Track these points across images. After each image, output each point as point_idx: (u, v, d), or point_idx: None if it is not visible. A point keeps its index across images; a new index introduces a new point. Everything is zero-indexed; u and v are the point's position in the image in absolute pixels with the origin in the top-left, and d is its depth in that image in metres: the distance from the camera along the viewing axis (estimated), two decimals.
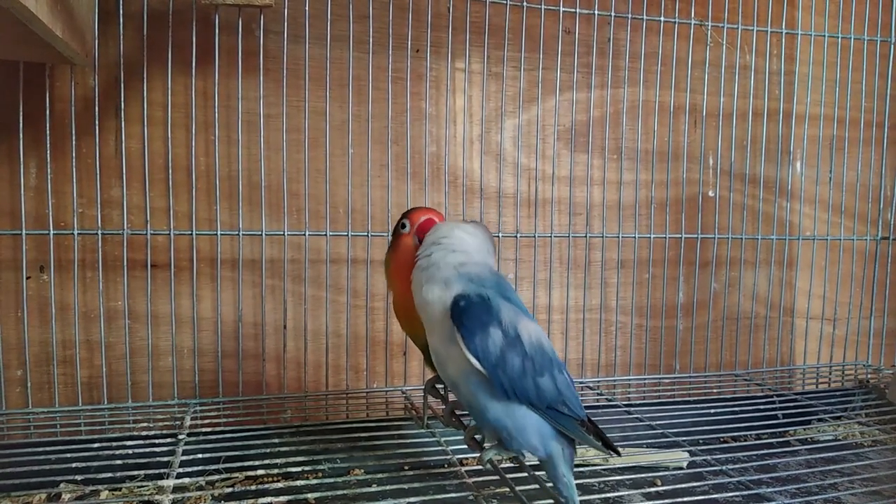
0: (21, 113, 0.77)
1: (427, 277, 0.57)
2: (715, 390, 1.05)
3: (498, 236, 0.96)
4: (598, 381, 1.01)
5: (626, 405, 0.95)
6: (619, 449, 0.61)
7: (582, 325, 1.02)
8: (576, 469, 0.59)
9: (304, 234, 0.89)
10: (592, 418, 0.59)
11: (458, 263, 0.57)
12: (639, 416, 0.88)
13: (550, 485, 0.59)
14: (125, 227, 0.82)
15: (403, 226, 0.66)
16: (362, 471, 0.84)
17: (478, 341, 0.53)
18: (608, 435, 0.60)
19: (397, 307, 0.69)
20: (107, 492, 0.71)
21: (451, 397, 0.72)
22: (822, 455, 0.92)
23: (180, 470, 0.65)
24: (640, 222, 1.04)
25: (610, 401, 0.96)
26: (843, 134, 1.11)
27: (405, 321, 0.69)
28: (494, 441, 0.58)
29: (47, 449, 0.71)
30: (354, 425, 0.86)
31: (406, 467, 0.85)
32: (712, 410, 0.93)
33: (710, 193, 1.08)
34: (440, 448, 0.74)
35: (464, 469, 0.67)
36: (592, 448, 0.59)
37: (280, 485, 0.65)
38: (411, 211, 0.67)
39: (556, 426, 0.56)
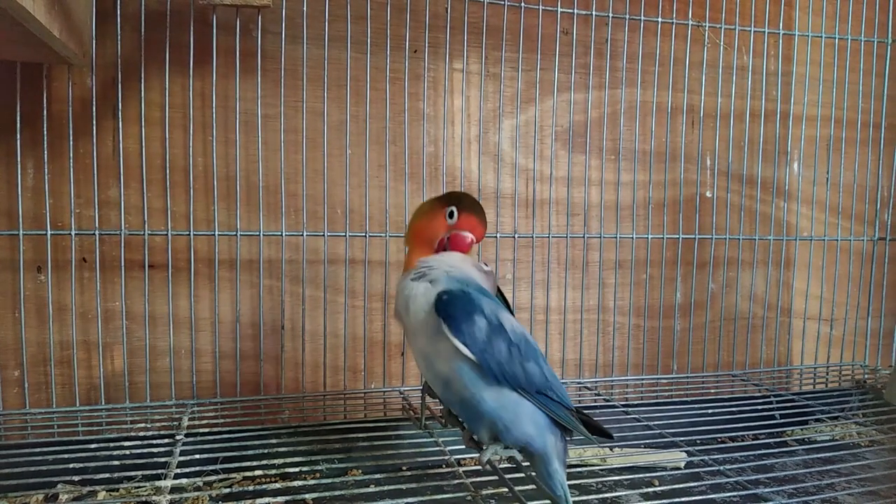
0: (18, 113, 0.77)
1: (414, 277, 0.60)
2: (712, 391, 1.05)
3: (496, 237, 0.96)
4: (596, 382, 1.01)
5: (624, 405, 0.95)
6: (615, 440, 0.62)
7: (580, 325, 1.02)
8: (574, 469, 0.59)
9: (302, 235, 0.89)
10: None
11: (447, 272, 0.59)
12: (636, 416, 0.89)
13: None
14: (122, 228, 0.82)
15: (451, 214, 0.63)
16: (360, 471, 0.84)
17: (464, 328, 0.55)
18: None
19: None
20: (104, 492, 0.71)
21: None
22: (819, 455, 0.92)
23: (178, 470, 0.65)
24: (637, 223, 1.04)
25: (608, 401, 0.96)
26: (841, 134, 1.11)
27: None
28: (490, 438, 0.58)
29: (45, 450, 0.71)
30: (352, 426, 0.86)
31: (404, 468, 0.84)
32: (710, 411, 0.93)
33: (708, 194, 1.08)
34: (438, 448, 0.74)
35: (461, 469, 0.67)
36: (582, 435, 0.59)
37: (278, 485, 0.65)
38: (466, 209, 0.64)
39: (548, 413, 0.57)
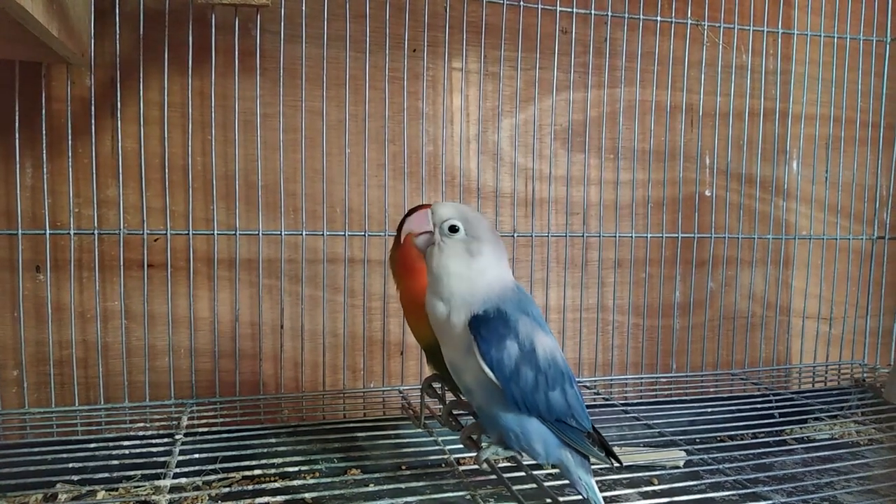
0: (17, 112, 0.77)
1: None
2: (711, 389, 1.05)
3: None
4: (595, 381, 1.01)
5: (623, 404, 0.95)
6: (619, 454, 0.61)
7: (579, 324, 1.02)
8: None
9: (301, 234, 0.89)
10: (595, 425, 0.60)
11: (479, 275, 0.56)
12: (636, 415, 0.89)
13: (548, 484, 0.59)
14: (121, 227, 0.82)
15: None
16: (359, 470, 0.84)
17: (494, 353, 0.54)
18: (606, 434, 0.60)
19: (405, 302, 0.69)
20: (103, 492, 0.71)
21: (449, 396, 0.72)
22: (818, 454, 0.92)
23: (177, 470, 0.65)
24: (636, 222, 1.04)
25: (607, 400, 0.96)
26: (839, 133, 1.11)
27: (413, 318, 0.68)
28: (497, 438, 0.58)
29: (44, 449, 0.71)
30: (351, 425, 0.86)
31: (403, 467, 0.85)
32: (709, 409, 0.93)
33: (707, 193, 1.08)
34: (437, 447, 0.74)
35: (461, 468, 0.67)
36: (597, 458, 0.59)
37: (277, 484, 0.65)
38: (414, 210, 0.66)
39: (563, 438, 0.57)
